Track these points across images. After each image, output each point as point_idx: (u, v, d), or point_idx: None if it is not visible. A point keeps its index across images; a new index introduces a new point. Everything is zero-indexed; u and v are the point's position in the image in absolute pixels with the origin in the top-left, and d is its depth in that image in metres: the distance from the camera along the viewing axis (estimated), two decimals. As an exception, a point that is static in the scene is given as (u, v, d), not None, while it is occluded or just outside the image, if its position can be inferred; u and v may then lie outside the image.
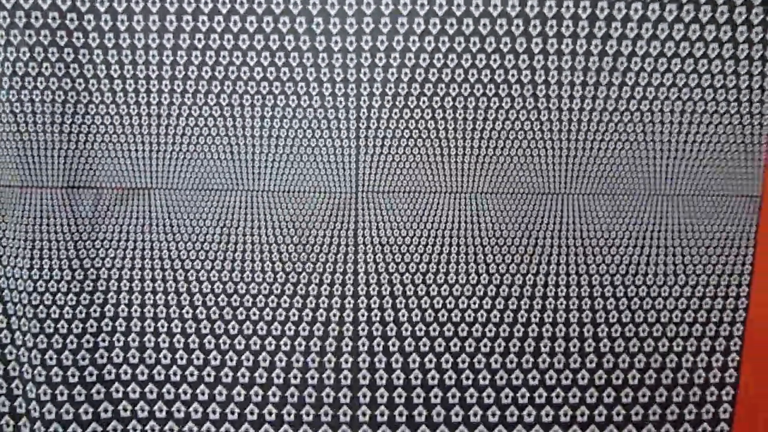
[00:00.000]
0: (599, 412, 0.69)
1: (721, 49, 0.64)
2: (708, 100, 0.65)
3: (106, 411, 0.68)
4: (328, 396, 0.68)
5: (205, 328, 0.67)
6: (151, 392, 0.68)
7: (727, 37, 0.64)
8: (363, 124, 0.65)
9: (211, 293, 0.67)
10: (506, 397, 0.69)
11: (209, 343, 0.68)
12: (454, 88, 0.64)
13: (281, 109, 0.64)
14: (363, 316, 0.68)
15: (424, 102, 0.64)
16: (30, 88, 0.63)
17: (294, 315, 0.67)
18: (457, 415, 0.69)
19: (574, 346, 0.68)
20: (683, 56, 0.64)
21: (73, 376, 0.67)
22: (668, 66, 0.64)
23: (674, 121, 0.66)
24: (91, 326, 0.67)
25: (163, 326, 0.68)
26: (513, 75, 0.64)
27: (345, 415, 0.68)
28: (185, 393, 0.68)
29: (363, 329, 0.68)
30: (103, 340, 0.67)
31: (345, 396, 0.68)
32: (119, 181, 0.66)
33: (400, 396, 0.69)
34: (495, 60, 0.63)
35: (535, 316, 0.67)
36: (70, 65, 0.63)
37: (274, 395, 0.68)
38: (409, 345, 0.68)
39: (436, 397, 0.69)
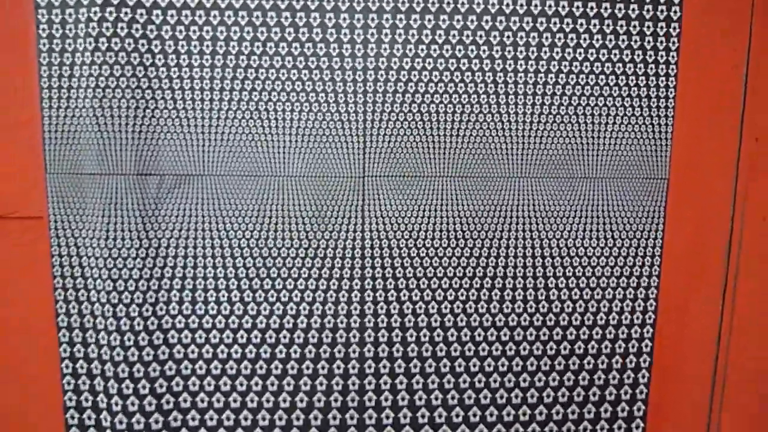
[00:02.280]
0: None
1: (630, 40, 0.85)
2: (621, 85, 0.86)
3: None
4: (338, 368, 0.87)
5: (248, 296, 0.86)
6: (199, 338, 0.87)
7: (636, 30, 0.85)
8: (369, 117, 0.85)
9: (252, 264, 0.86)
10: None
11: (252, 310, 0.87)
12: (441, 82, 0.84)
13: (300, 103, 0.84)
14: (369, 285, 0.87)
15: (417, 96, 0.84)
16: (111, 87, 0.81)
17: (311, 282, 0.87)
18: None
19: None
20: (597, 47, 0.85)
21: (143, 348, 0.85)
22: (585, 55, 0.85)
23: (593, 107, 0.87)
24: (156, 291, 0.85)
25: (216, 295, 0.86)
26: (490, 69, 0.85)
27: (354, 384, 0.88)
28: (232, 358, 0.87)
29: (369, 296, 0.88)
30: (166, 304, 0.86)
31: (353, 367, 0.88)
32: (176, 168, 0.85)
33: (399, 366, 0.88)
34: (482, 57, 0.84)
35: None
36: (138, 66, 0.82)
37: (293, 357, 0.87)
38: (411, 312, 0.88)
39: (433, 363, 0.89)
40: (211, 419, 0.88)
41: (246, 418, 0.88)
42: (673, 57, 0.86)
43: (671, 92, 0.86)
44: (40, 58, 0.81)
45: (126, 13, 0.80)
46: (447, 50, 0.83)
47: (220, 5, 0.81)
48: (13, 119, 0.83)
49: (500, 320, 0.89)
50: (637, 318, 0.91)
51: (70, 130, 0.83)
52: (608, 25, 0.84)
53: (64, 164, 0.84)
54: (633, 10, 0.84)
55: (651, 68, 0.85)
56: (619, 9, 0.84)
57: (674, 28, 0.85)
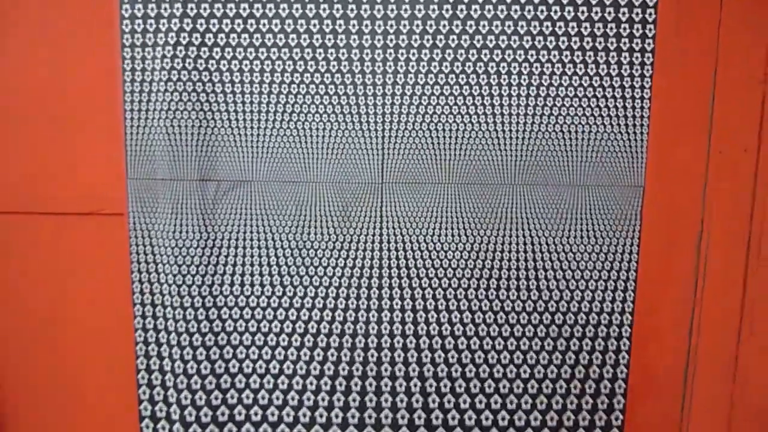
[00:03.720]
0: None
1: (607, 56, 1.00)
2: (602, 106, 1.01)
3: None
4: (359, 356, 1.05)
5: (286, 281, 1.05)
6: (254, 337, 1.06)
7: (614, 46, 1.00)
8: (386, 135, 1.02)
9: (290, 254, 1.05)
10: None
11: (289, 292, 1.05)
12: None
13: (330, 122, 1.02)
14: (385, 273, 1.05)
15: (426, 116, 1.01)
16: (180, 109, 1.01)
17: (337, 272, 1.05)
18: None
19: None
20: (581, 74, 1.00)
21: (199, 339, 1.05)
22: (570, 81, 1.00)
23: (577, 125, 1.02)
24: (213, 274, 1.05)
25: (261, 279, 1.05)
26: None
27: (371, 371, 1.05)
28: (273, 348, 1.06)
29: (385, 282, 1.05)
30: (221, 287, 1.05)
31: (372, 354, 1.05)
32: (231, 175, 1.04)
33: (410, 342, 1.05)
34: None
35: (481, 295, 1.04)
36: (201, 93, 1.01)
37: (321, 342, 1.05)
38: (426, 303, 1.05)
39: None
40: (255, 376, 1.07)
41: (281, 376, 1.07)
42: (647, 82, 1.00)
43: (646, 112, 1.01)
44: (124, 87, 1.02)
45: (192, 51, 1.00)
46: (451, 75, 1.00)
47: (267, 44, 1.00)
48: (101, 136, 1.04)
49: (497, 305, 1.05)
50: (617, 307, 1.05)
51: (147, 143, 1.03)
52: (590, 56, 0.99)
53: (141, 171, 1.04)
54: (609, 32, 0.99)
55: (627, 91, 1.00)
56: (598, 30, 0.99)
57: (648, 58, 0.99)
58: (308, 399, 1.08)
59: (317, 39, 1.00)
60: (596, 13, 0.98)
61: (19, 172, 1.06)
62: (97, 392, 1.12)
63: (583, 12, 0.98)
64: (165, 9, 0.99)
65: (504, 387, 1.07)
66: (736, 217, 0.95)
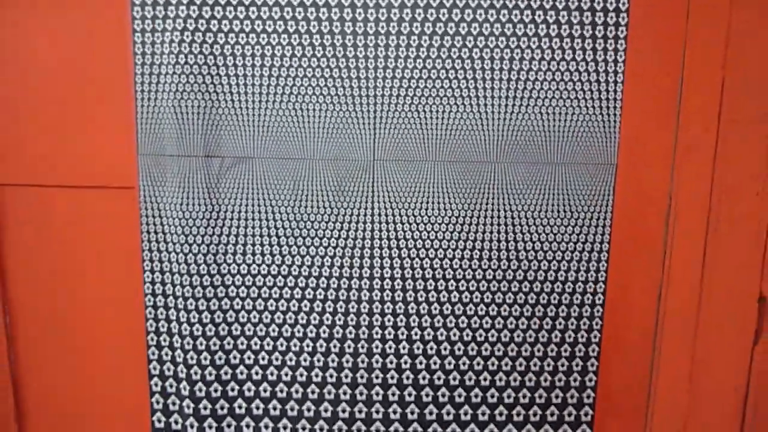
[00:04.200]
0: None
1: (583, 42, 1.08)
2: (577, 90, 1.09)
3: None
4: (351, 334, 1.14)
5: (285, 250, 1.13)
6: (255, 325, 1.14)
7: (589, 33, 1.08)
8: (378, 114, 1.10)
9: (288, 226, 1.13)
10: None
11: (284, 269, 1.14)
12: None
13: (325, 103, 1.10)
14: (377, 243, 1.13)
15: (415, 98, 1.09)
16: (187, 90, 1.09)
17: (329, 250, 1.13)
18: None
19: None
20: (555, 48, 1.08)
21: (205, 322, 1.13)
22: (548, 66, 1.09)
23: (554, 106, 1.10)
24: (217, 244, 1.13)
25: (261, 248, 1.14)
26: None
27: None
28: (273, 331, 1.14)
29: (376, 252, 1.14)
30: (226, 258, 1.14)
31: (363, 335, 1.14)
32: (234, 151, 1.12)
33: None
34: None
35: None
36: (207, 75, 1.09)
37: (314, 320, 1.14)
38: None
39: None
40: (256, 339, 1.16)
41: (280, 339, 1.16)
42: (620, 67, 1.08)
43: (619, 95, 1.09)
44: (135, 69, 1.10)
45: (198, 37, 1.07)
46: (438, 60, 1.08)
47: (267, 31, 1.08)
48: (114, 115, 1.12)
49: (479, 274, 1.14)
50: (591, 276, 1.14)
51: (156, 122, 1.11)
52: (567, 42, 1.07)
53: (150, 147, 1.12)
54: (585, 33, 1.06)
55: (602, 75, 1.08)
56: (574, 31, 1.07)
57: (621, 44, 1.07)
58: (305, 360, 1.17)
59: (314, 26, 1.08)
60: (573, 2, 1.06)
61: (36, 147, 1.14)
62: (108, 350, 1.21)
63: (560, 2, 1.06)
64: (167, 8, 1.07)
65: (486, 350, 1.16)
66: (699, 192, 1.03)
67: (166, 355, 1.17)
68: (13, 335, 1.21)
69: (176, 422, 1.20)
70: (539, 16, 1.06)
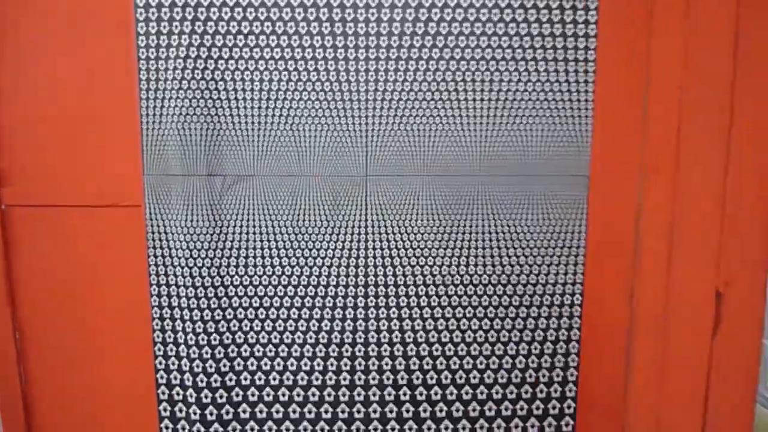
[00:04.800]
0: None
1: (556, 65, 1.18)
2: (552, 108, 1.19)
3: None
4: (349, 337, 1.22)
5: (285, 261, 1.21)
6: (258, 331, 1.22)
7: (561, 57, 1.18)
8: (370, 133, 1.19)
9: (288, 239, 1.21)
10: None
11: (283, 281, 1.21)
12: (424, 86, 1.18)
13: (321, 125, 1.18)
14: (370, 254, 1.21)
15: (404, 117, 1.18)
16: (190, 114, 1.17)
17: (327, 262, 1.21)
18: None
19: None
20: (531, 70, 1.18)
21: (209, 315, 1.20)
22: (524, 87, 1.19)
23: (531, 124, 1.20)
24: (220, 257, 1.21)
25: (263, 261, 1.21)
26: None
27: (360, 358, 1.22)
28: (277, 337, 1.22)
29: (370, 261, 1.22)
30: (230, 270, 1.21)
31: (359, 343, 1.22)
32: (235, 170, 1.20)
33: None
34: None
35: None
36: (209, 99, 1.17)
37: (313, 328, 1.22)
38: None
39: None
40: (258, 346, 1.23)
41: (281, 345, 1.23)
42: (590, 88, 1.18)
43: (590, 113, 1.19)
44: (140, 94, 1.17)
45: (200, 63, 1.15)
46: (424, 83, 1.17)
47: (265, 57, 1.16)
48: (120, 137, 1.19)
49: (466, 279, 1.23)
50: (569, 278, 1.23)
51: (161, 142, 1.18)
52: (542, 65, 1.17)
53: (156, 168, 1.19)
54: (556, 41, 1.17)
55: (574, 95, 1.18)
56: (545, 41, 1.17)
57: (591, 66, 1.17)
58: (305, 364, 1.24)
59: (309, 53, 1.16)
60: (545, 30, 1.16)
61: (46, 169, 1.20)
62: (117, 360, 1.27)
63: (534, 27, 1.16)
64: (175, 26, 1.14)
65: (474, 350, 1.25)
66: (663, 200, 1.13)
67: (173, 364, 1.23)
68: (23, 348, 1.26)
69: (183, 428, 1.26)
70: (516, 42, 1.16)
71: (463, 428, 1.26)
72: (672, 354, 1.10)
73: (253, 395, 1.25)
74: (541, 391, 1.26)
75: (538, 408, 1.26)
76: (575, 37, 1.16)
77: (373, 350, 1.24)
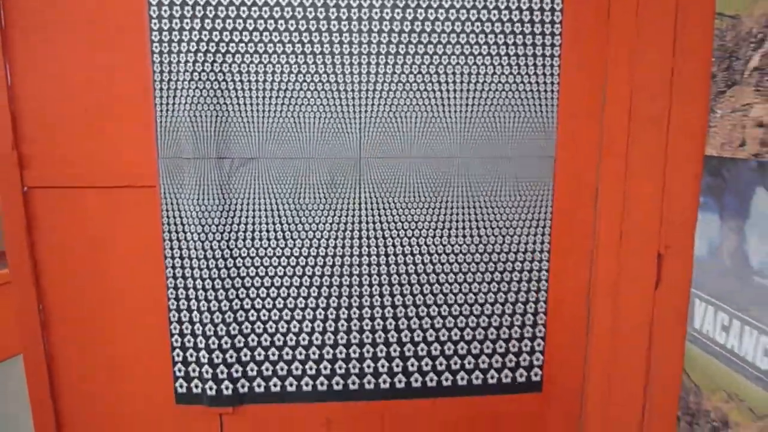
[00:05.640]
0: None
1: (526, 60, 1.35)
2: (521, 90, 1.37)
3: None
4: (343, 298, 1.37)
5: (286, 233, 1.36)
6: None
7: (531, 52, 1.35)
8: (363, 120, 1.34)
9: (290, 213, 1.35)
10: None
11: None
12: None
13: (319, 113, 1.33)
14: (364, 227, 1.37)
15: (393, 106, 1.33)
16: (201, 102, 1.29)
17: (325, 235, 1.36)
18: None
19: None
20: (494, 54, 1.35)
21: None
22: (498, 81, 1.35)
23: (504, 112, 1.37)
24: (229, 232, 1.34)
25: (267, 233, 1.35)
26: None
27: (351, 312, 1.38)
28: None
29: (364, 233, 1.37)
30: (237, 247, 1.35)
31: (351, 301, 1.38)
32: (242, 153, 1.33)
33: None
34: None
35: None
36: (218, 90, 1.30)
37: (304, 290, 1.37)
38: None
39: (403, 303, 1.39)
40: (264, 311, 1.38)
41: (285, 310, 1.38)
42: (556, 81, 1.35)
43: (555, 101, 1.36)
44: (154, 84, 1.29)
45: (210, 57, 1.28)
46: (411, 75, 1.32)
47: (269, 51, 1.29)
48: (137, 122, 1.31)
49: (448, 249, 1.40)
50: (538, 248, 1.42)
51: (174, 128, 1.31)
52: (513, 59, 1.33)
53: (169, 151, 1.32)
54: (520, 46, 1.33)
55: (542, 86, 1.35)
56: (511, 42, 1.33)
57: (556, 59, 1.34)
58: (306, 326, 1.40)
59: (308, 48, 1.30)
60: (516, 29, 1.32)
61: (68, 152, 1.31)
62: (134, 329, 1.40)
63: (507, 26, 1.32)
64: (186, 23, 1.26)
65: (455, 311, 1.42)
66: (617, 177, 1.31)
67: (186, 328, 1.37)
68: (46, 320, 1.38)
69: (196, 386, 1.40)
70: (491, 39, 1.32)
71: (446, 380, 1.44)
72: (623, 305, 1.29)
73: (259, 355, 1.40)
74: (514, 346, 1.45)
75: (510, 361, 1.45)
76: (543, 35, 1.33)
77: (366, 313, 1.40)
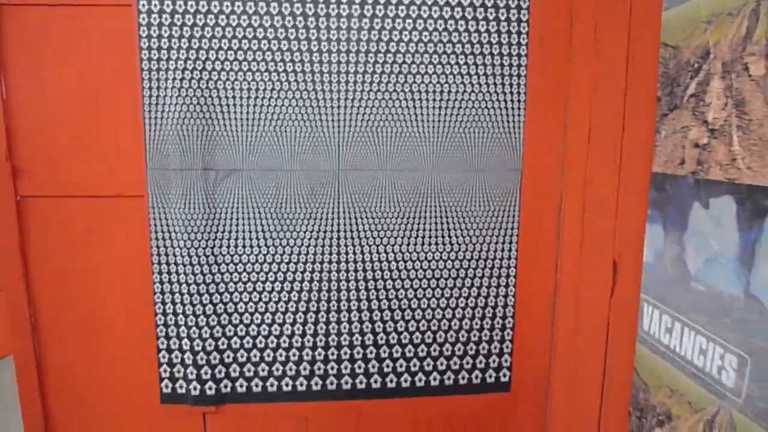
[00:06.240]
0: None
1: (494, 69, 1.45)
2: (490, 108, 1.46)
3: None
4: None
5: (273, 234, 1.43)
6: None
7: (497, 52, 1.45)
8: (341, 135, 1.42)
9: (272, 221, 1.43)
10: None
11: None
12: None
13: (298, 130, 1.41)
14: (343, 229, 1.45)
15: (369, 122, 1.42)
16: (187, 117, 1.37)
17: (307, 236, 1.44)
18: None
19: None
20: (464, 74, 1.44)
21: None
22: (470, 97, 1.45)
23: (475, 127, 1.46)
24: (213, 239, 1.42)
25: (250, 241, 1.43)
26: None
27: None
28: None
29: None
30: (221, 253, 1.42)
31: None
32: (226, 165, 1.41)
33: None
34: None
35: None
36: (204, 106, 1.38)
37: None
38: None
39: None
40: (246, 314, 1.45)
41: (266, 313, 1.45)
42: (522, 98, 1.45)
43: (522, 119, 1.46)
44: (143, 99, 1.36)
45: (197, 73, 1.36)
46: (386, 92, 1.41)
47: (252, 69, 1.37)
48: (126, 134, 1.38)
49: (422, 255, 1.48)
50: (505, 254, 1.51)
51: (162, 141, 1.38)
52: (483, 78, 1.43)
53: (157, 162, 1.39)
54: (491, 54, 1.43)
55: (509, 104, 1.44)
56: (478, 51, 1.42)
57: (523, 79, 1.44)
58: (287, 329, 1.47)
59: (290, 66, 1.38)
60: (486, 48, 1.42)
61: (60, 164, 1.38)
62: (121, 332, 1.46)
63: (476, 47, 1.41)
64: (174, 42, 1.34)
65: (428, 314, 1.50)
66: (578, 189, 1.41)
67: (172, 331, 1.44)
68: (37, 324, 1.44)
69: (181, 387, 1.47)
70: (461, 59, 1.41)
71: (419, 380, 1.52)
72: (583, 309, 1.38)
73: (242, 356, 1.47)
74: (484, 348, 1.53)
75: (480, 362, 1.54)
76: (510, 56, 1.43)
77: (344, 317, 1.48)
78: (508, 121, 1.45)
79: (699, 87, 0.97)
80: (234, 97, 1.38)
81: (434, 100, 1.43)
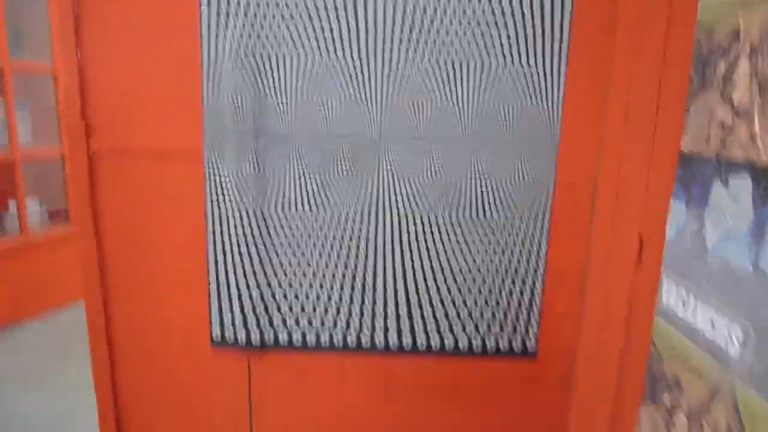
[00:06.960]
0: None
1: (534, 39, 1.48)
2: (527, 82, 1.50)
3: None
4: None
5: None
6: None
7: (540, 31, 1.48)
8: (384, 102, 1.49)
9: (319, 183, 1.53)
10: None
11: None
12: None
13: (346, 99, 1.49)
14: (383, 195, 1.54)
15: (404, 94, 1.49)
16: (239, 89, 1.48)
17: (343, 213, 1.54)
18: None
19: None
20: (506, 47, 1.48)
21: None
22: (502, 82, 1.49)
23: (509, 103, 1.50)
24: (262, 202, 1.54)
25: (301, 197, 1.54)
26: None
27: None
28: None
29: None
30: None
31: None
32: (275, 130, 1.51)
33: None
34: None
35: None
36: (254, 78, 1.48)
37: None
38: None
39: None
40: (288, 266, 1.57)
41: (311, 266, 1.57)
42: (563, 75, 1.48)
43: (560, 98, 1.49)
44: (202, 72, 1.48)
45: (251, 45, 1.46)
46: (425, 71, 1.47)
47: (302, 39, 1.46)
48: (186, 102, 1.51)
49: (456, 222, 1.56)
50: (538, 228, 1.56)
51: (218, 108, 1.50)
52: (520, 53, 1.46)
53: (212, 129, 1.51)
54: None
55: (548, 79, 1.48)
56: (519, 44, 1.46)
57: (564, 45, 1.47)
58: (327, 284, 1.58)
59: (337, 38, 1.46)
60: (533, 15, 1.45)
61: (128, 125, 1.52)
62: (178, 281, 1.62)
63: (516, 24, 1.45)
64: (231, 17, 1.44)
65: (460, 281, 1.58)
66: (613, 171, 1.44)
67: (222, 282, 1.58)
68: (105, 272, 1.61)
69: (229, 332, 1.62)
70: (503, 32, 1.46)
71: (448, 341, 1.62)
72: (612, 283, 1.43)
73: (284, 307, 1.60)
74: (512, 314, 1.61)
75: (508, 328, 1.61)
76: (552, 31, 1.45)
77: (379, 274, 1.58)
78: (547, 96, 1.49)
79: (728, 68, 0.99)
80: (285, 67, 1.48)
81: (474, 71, 1.47)
